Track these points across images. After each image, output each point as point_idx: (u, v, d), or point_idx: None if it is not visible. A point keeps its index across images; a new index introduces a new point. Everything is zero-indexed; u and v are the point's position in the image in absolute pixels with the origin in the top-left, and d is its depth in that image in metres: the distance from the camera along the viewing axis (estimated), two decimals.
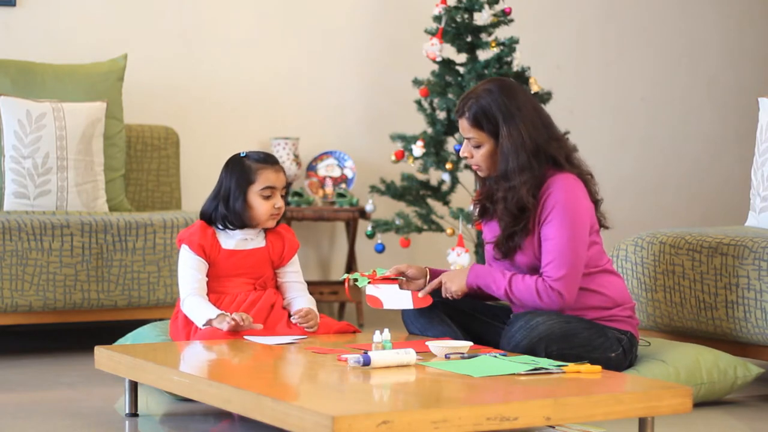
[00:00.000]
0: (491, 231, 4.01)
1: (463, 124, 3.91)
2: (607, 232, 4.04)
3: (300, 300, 4.20)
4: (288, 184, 6.19)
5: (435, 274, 4.08)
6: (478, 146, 3.90)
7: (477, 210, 4.06)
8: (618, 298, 3.93)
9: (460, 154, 3.95)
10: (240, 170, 4.14)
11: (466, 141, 3.92)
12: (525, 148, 3.84)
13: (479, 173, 3.97)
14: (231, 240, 4.16)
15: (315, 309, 4.18)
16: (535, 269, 3.89)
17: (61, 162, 5.22)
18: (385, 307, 4.02)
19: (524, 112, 3.87)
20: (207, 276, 4.14)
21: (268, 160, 4.16)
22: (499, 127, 3.85)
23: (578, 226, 3.83)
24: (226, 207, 4.13)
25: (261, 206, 4.13)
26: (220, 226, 4.15)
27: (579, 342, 3.79)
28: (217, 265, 4.14)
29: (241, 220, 4.13)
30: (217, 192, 4.17)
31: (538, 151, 3.86)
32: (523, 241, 3.87)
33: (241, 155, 4.18)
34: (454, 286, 3.95)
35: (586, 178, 3.94)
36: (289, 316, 4.16)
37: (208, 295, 4.12)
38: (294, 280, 4.25)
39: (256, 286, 4.18)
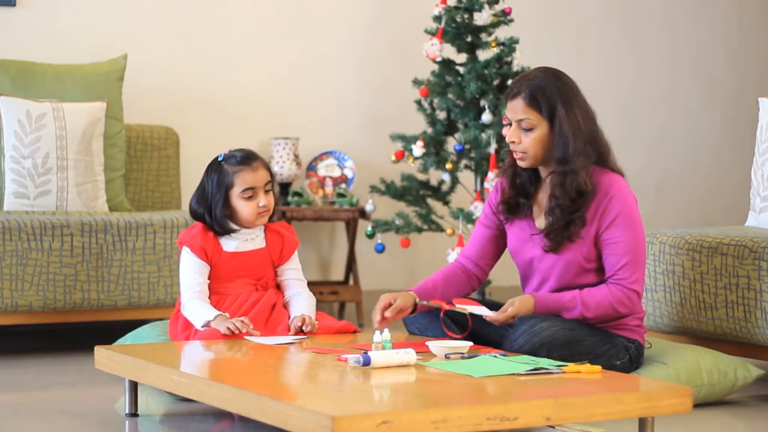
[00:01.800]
0: (517, 233, 3.98)
1: (517, 104, 3.84)
2: None
3: (300, 298, 4.18)
4: (287, 184, 6.19)
5: (423, 295, 3.98)
6: (530, 129, 3.83)
7: (504, 207, 3.98)
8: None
9: (507, 139, 3.86)
10: (218, 175, 4.11)
11: (515, 125, 3.85)
12: (581, 133, 3.82)
13: (522, 162, 3.87)
14: (232, 242, 4.15)
15: (314, 306, 4.17)
16: (577, 267, 3.87)
17: (61, 162, 5.22)
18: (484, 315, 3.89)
19: (579, 99, 3.88)
20: (209, 278, 4.14)
21: (245, 160, 4.11)
22: (556, 109, 3.81)
23: (641, 230, 3.85)
24: (210, 215, 4.12)
25: (244, 208, 4.11)
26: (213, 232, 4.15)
27: (583, 349, 3.77)
28: (218, 268, 4.14)
29: (224, 227, 4.12)
30: (200, 196, 4.15)
31: (591, 140, 3.85)
32: (580, 231, 3.83)
33: (219, 159, 4.14)
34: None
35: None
36: (289, 317, 4.16)
37: (210, 296, 4.12)
38: (293, 278, 4.24)
39: (257, 286, 4.18)
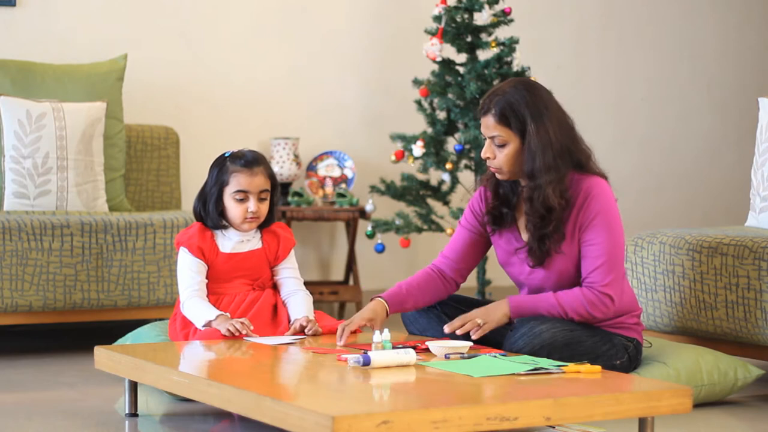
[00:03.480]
0: (504, 246, 3.97)
1: (488, 121, 3.82)
2: None
3: (297, 297, 4.18)
4: (287, 184, 6.19)
5: (395, 304, 3.97)
6: (502, 145, 3.81)
7: (489, 219, 3.96)
8: (628, 305, 3.92)
9: (482, 155, 3.84)
10: (219, 171, 4.13)
11: (488, 141, 3.83)
12: (552, 147, 3.78)
13: (499, 176, 3.87)
14: (229, 242, 4.15)
15: (311, 305, 4.18)
16: (570, 276, 3.86)
17: (61, 162, 5.22)
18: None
19: (551, 111, 3.82)
20: (206, 278, 4.14)
21: (247, 164, 4.10)
22: (526, 124, 3.77)
23: (620, 231, 3.82)
24: (204, 207, 4.13)
25: (233, 209, 4.11)
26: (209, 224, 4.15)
27: (583, 350, 3.77)
28: (215, 268, 4.14)
29: (215, 222, 4.12)
30: (202, 188, 4.18)
31: (563, 152, 3.81)
32: (559, 246, 3.82)
33: (226, 155, 4.16)
34: (492, 324, 3.84)
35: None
36: (289, 319, 4.16)
37: (207, 296, 4.12)
38: (289, 276, 4.23)
39: (254, 286, 4.18)
